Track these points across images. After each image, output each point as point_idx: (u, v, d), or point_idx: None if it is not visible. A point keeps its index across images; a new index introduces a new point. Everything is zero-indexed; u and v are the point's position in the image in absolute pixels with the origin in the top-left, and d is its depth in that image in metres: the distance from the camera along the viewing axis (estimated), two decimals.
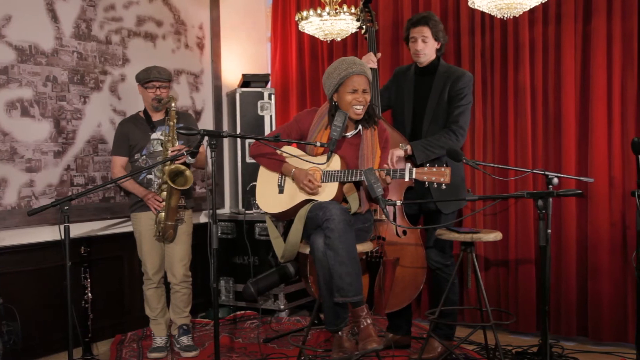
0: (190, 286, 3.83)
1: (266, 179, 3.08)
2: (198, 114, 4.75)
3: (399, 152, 3.34)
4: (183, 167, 3.53)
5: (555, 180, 3.23)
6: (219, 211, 4.89)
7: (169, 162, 3.49)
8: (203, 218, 4.78)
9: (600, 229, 3.76)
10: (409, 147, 3.34)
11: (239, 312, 4.56)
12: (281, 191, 3.02)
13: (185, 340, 3.80)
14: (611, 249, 3.74)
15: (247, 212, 4.66)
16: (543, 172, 3.26)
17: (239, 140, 4.70)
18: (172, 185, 3.49)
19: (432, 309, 3.72)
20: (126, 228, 4.06)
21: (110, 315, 4.09)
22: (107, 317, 4.05)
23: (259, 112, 4.74)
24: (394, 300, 3.52)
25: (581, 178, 3.53)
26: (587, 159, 3.83)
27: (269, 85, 4.95)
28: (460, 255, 3.31)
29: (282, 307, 4.45)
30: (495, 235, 3.24)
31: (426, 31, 3.46)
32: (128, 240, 3.87)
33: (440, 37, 3.49)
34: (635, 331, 3.08)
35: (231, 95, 4.84)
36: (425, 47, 3.47)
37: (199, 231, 4.02)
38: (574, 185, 3.83)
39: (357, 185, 2.96)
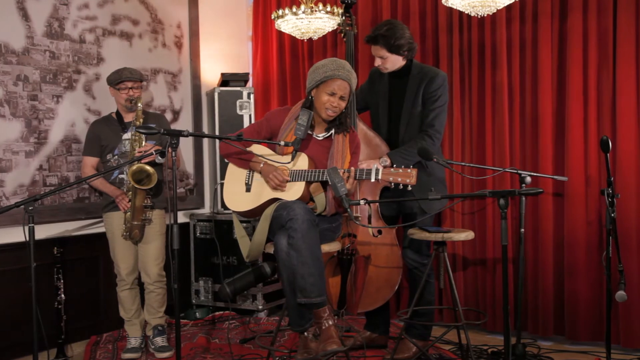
0: (164, 286, 3.81)
1: (234, 177, 3.06)
2: (176, 113, 4.72)
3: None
4: (147, 167, 3.50)
5: (528, 179, 3.23)
6: (198, 211, 4.87)
7: (135, 162, 3.47)
8: (181, 218, 4.75)
9: (576, 228, 3.74)
10: (388, 161, 3.32)
11: (217, 313, 4.54)
12: (248, 189, 3.00)
13: (159, 340, 3.77)
14: (587, 248, 3.73)
15: (226, 211, 4.63)
16: (516, 171, 3.26)
17: (217, 140, 4.67)
18: (134, 184, 3.47)
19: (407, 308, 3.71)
20: (102, 228, 4.02)
21: (86, 316, 4.06)
22: (82, 318, 4.02)
23: (238, 112, 4.71)
24: (367, 300, 3.49)
25: (555, 177, 3.55)
26: (564, 157, 3.81)
27: (249, 84, 4.92)
28: (432, 255, 3.30)
29: (260, 307, 4.43)
30: (466, 235, 3.22)
31: (380, 50, 3.40)
32: (104, 240, 3.83)
33: (400, 50, 3.37)
34: (605, 330, 3.07)
35: (210, 95, 4.82)
36: (386, 62, 3.43)
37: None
38: (550, 184, 3.82)
39: (325, 185, 2.94)
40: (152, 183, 3.52)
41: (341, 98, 2.90)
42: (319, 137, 3.01)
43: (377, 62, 3.45)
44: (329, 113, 2.91)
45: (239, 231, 3.03)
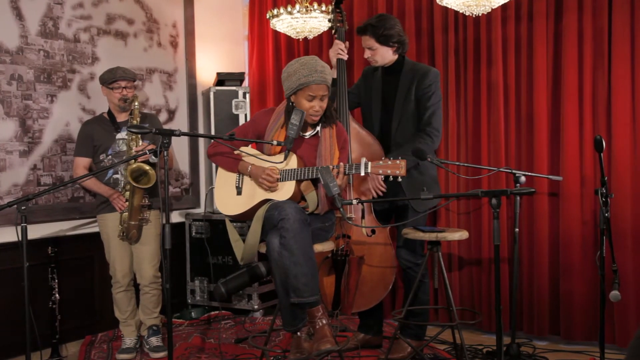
0: (159, 287, 3.79)
1: (224, 181, 3.04)
2: (172, 112, 4.71)
3: None
4: (146, 166, 3.49)
5: (523, 178, 3.23)
6: (194, 210, 4.87)
7: (132, 161, 3.46)
8: (176, 217, 4.75)
9: (571, 227, 3.74)
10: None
11: (212, 313, 4.53)
12: (239, 192, 2.98)
13: (154, 340, 3.77)
14: (583, 248, 3.72)
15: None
16: (510, 171, 3.27)
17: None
18: (133, 183, 3.46)
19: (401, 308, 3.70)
20: (97, 228, 4.00)
21: (81, 316, 4.05)
22: (77, 318, 4.01)
23: (234, 111, 4.70)
24: (361, 300, 3.49)
25: (549, 176, 3.54)
26: (559, 157, 3.81)
27: (244, 83, 4.91)
28: (426, 255, 3.29)
29: (256, 307, 4.42)
30: (460, 234, 3.22)
31: (369, 40, 3.41)
32: (99, 240, 3.82)
33: (389, 41, 3.38)
34: (599, 330, 3.06)
35: (206, 94, 4.81)
36: (375, 54, 3.44)
37: (171, 230, 3.97)
38: (545, 184, 3.81)
39: (316, 184, 2.93)
40: (152, 182, 3.50)
41: (321, 99, 2.87)
42: (306, 135, 2.99)
43: (367, 54, 3.46)
44: (313, 118, 2.90)
45: (233, 235, 3.02)
